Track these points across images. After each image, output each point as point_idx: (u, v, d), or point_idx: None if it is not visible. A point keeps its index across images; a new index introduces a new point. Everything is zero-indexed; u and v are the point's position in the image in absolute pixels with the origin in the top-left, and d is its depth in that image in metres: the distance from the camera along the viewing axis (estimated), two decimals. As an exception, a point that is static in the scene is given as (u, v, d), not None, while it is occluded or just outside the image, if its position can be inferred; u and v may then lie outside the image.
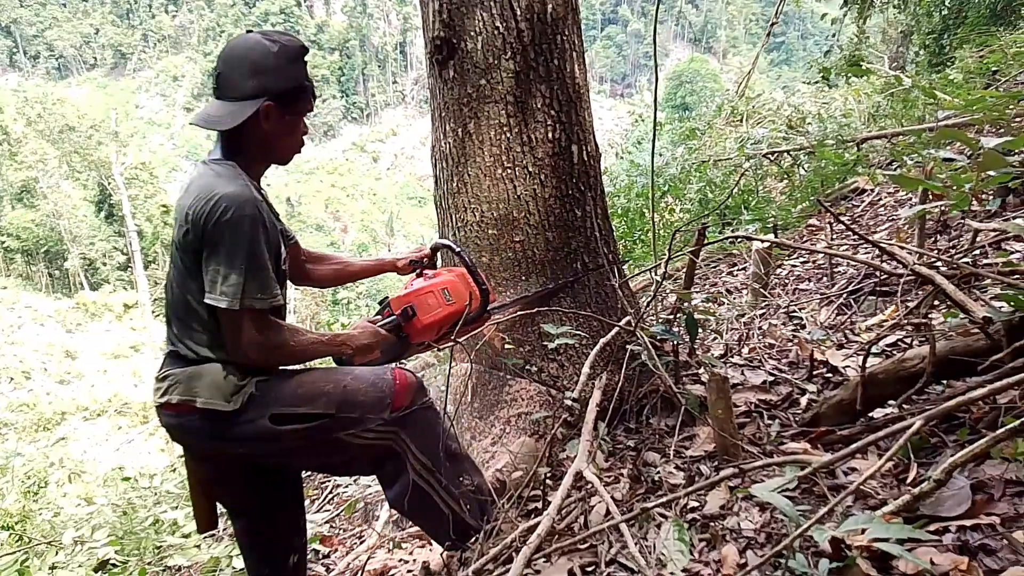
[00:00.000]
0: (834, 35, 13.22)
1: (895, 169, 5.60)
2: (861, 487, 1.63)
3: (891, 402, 1.93)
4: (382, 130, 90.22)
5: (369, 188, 79.24)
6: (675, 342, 2.34)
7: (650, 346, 2.13)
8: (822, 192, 5.98)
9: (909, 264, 1.76)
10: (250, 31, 1.78)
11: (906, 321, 2.13)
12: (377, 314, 2.16)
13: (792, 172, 6.78)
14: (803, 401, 2.23)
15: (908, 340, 2.41)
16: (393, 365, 1.93)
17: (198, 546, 3.30)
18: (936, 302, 2.37)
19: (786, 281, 4.35)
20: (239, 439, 1.74)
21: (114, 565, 3.46)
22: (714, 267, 5.71)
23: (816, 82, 10.24)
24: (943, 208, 3.50)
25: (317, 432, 1.77)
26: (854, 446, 1.41)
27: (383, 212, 73.40)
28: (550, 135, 2.41)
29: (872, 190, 5.56)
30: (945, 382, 1.95)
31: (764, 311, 3.71)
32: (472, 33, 2.35)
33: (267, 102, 1.72)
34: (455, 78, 2.41)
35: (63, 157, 41.43)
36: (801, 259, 4.68)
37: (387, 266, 2.32)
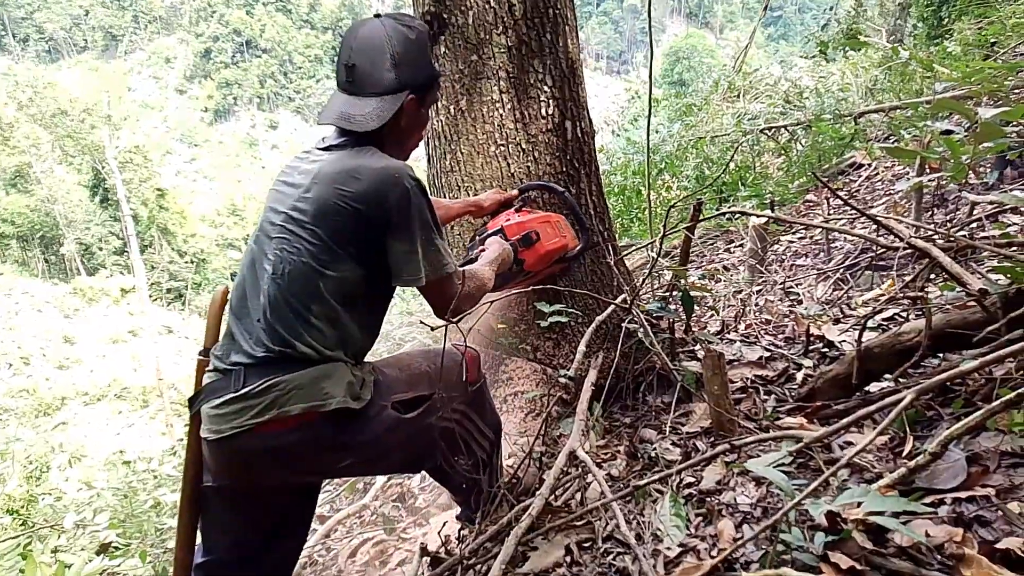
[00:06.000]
0: (831, 8, 13.09)
1: (893, 143, 5.58)
2: (857, 461, 1.64)
3: (887, 376, 1.93)
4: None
5: (364, 168, 78.45)
6: (671, 319, 2.34)
7: (646, 323, 2.12)
8: (819, 167, 5.95)
9: (905, 237, 1.75)
10: (378, 15, 1.65)
11: (902, 295, 2.12)
12: (470, 247, 2.13)
13: (789, 147, 6.75)
14: (799, 376, 2.23)
15: (904, 314, 2.41)
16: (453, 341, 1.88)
17: (198, 528, 3.32)
18: (932, 275, 2.36)
19: (783, 257, 4.35)
20: (366, 440, 1.57)
21: (116, 548, 3.48)
22: (711, 244, 5.70)
23: (813, 56, 10.16)
24: (940, 181, 3.49)
25: (421, 418, 1.66)
26: (846, 420, 1.41)
27: (378, 192, 72.77)
28: (544, 111, 2.38)
29: (869, 164, 5.55)
30: (941, 355, 1.95)
31: (761, 287, 3.71)
32: (463, 7, 2.31)
33: (410, 95, 1.62)
34: (446, 54, 2.38)
35: (56, 141, 41.08)
36: (798, 235, 4.67)
37: (471, 206, 2.24)
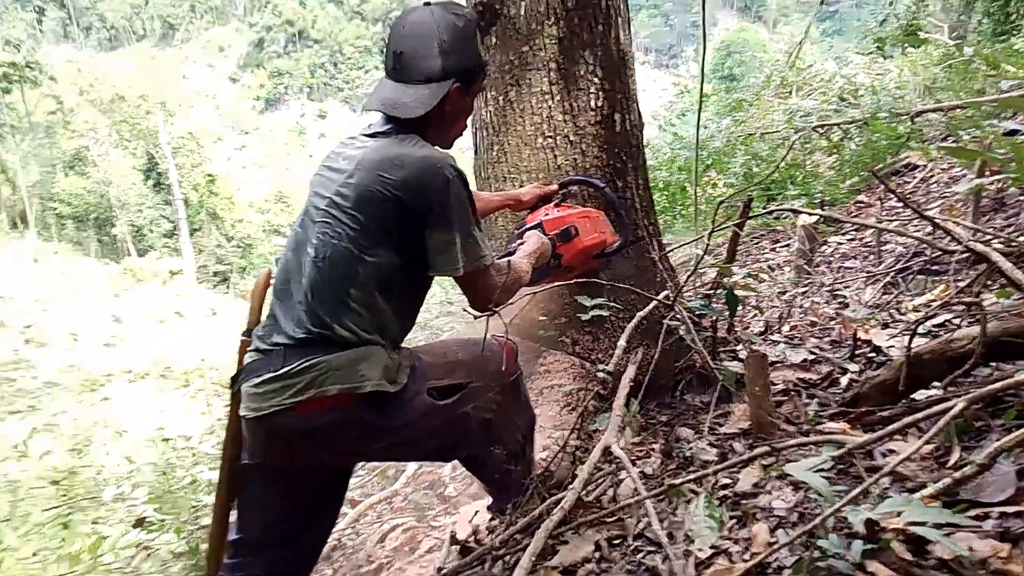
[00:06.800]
0: (891, 3, 12.66)
1: (952, 143, 5.39)
2: (900, 470, 1.59)
3: (936, 384, 1.87)
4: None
5: (409, 159, 78.95)
6: (714, 317, 2.30)
7: (688, 320, 2.09)
8: (872, 167, 5.78)
9: (963, 240, 1.68)
10: (428, 3, 1.66)
11: (956, 300, 2.05)
12: (509, 240, 2.13)
13: (841, 146, 6.57)
14: (844, 380, 2.18)
15: (956, 321, 2.33)
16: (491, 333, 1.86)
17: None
18: (988, 282, 2.28)
19: (831, 258, 4.24)
20: (400, 424, 1.58)
21: (151, 523, 3.58)
22: (756, 243, 5.59)
23: (870, 53, 9.85)
24: (1002, 184, 3.36)
25: (457, 406, 1.68)
26: (892, 427, 1.37)
27: (423, 183, 73.11)
28: (593, 103, 2.36)
29: (925, 166, 5.37)
30: (994, 364, 1.88)
31: (807, 288, 3.63)
32: (515, -1, 2.30)
33: (455, 84, 1.63)
34: (497, 45, 2.38)
35: (113, 126, 42.29)
36: (847, 236, 4.55)
37: (511, 200, 2.24)
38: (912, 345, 1.86)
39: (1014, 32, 8.51)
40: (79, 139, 40.71)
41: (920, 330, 2.31)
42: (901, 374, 1.85)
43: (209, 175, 44.00)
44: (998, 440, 1.29)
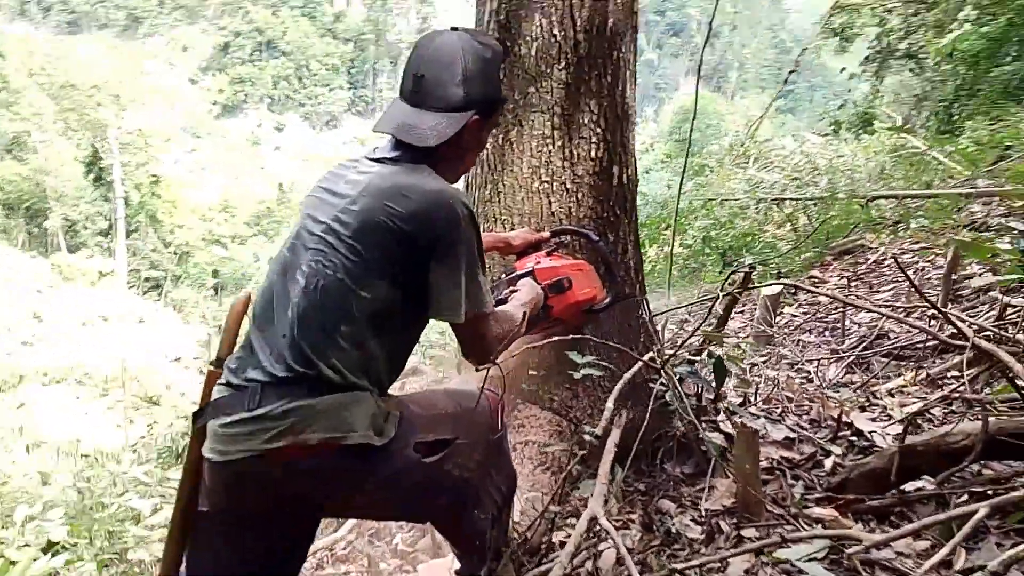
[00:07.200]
0: (848, 90, 13.38)
1: (903, 230, 5.63)
2: (899, 567, 1.53)
3: (926, 476, 1.84)
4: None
5: (365, 183, 78.16)
6: (700, 385, 2.24)
7: (678, 387, 2.02)
8: (825, 244, 5.97)
9: (970, 337, 1.67)
10: (455, 28, 1.58)
11: (959, 395, 2.05)
12: (496, 285, 1.98)
13: (795, 219, 6.78)
14: (827, 463, 2.13)
15: (935, 412, 2.33)
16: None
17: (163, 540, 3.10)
18: (969, 374, 2.29)
19: (786, 330, 4.27)
20: (382, 476, 1.45)
21: (64, 548, 3.23)
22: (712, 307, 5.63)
23: (826, 134, 10.34)
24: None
25: (440, 463, 1.52)
26: (912, 527, 1.31)
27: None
28: (593, 153, 2.31)
29: (876, 248, 5.54)
30: (982, 463, 1.86)
31: (766, 359, 3.63)
32: (528, 38, 2.24)
33: (475, 116, 1.53)
34: (504, 82, 2.30)
35: (60, 113, 40.66)
36: (802, 309, 4.62)
37: (500, 242, 2.09)
38: (906, 435, 1.84)
39: (956, 132, 9.02)
40: (21, 122, 38.91)
41: (897, 416, 2.31)
42: (893, 464, 1.81)
43: (154, 176, 42.53)
44: (997, 542, 1.25)
